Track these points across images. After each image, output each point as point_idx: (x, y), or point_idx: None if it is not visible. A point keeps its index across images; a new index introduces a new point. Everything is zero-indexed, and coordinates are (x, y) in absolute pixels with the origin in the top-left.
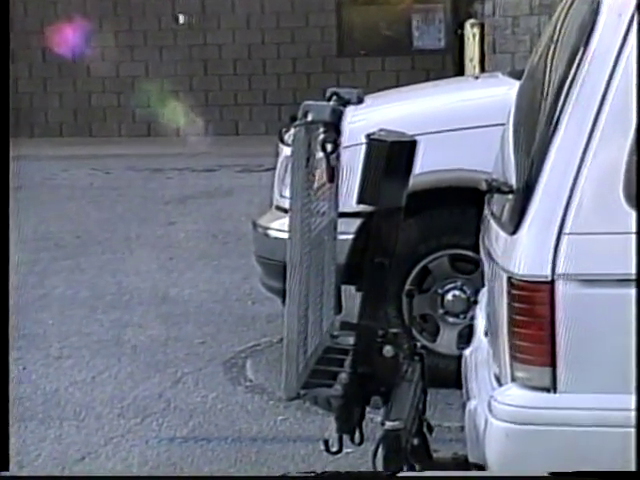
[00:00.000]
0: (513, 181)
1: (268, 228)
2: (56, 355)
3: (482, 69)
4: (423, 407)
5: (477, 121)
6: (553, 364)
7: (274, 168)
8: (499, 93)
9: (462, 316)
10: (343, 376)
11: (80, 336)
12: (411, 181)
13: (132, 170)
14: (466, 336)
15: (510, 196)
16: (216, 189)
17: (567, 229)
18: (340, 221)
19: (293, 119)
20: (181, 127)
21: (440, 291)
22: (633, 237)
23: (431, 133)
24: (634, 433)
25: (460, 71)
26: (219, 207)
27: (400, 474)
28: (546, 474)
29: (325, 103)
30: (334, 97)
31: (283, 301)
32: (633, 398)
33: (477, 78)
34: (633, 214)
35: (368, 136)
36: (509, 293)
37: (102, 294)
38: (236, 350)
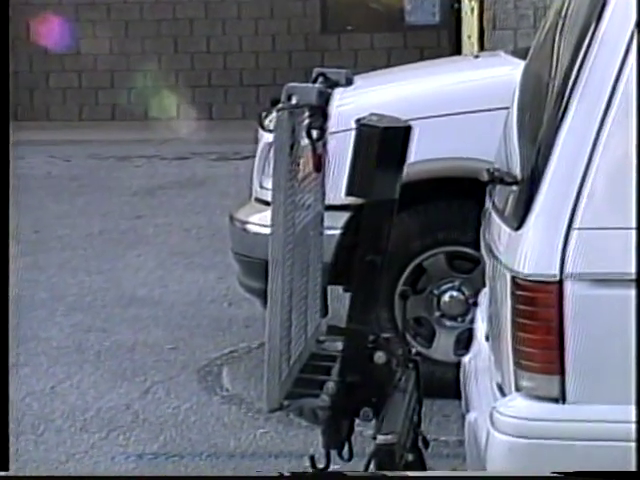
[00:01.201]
0: (517, 171)
1: (247, 222)
2: (11, 362)
3: (481, 47)
4: (418, 419)
5: (477, 105)
6: (562, 372)
7: (253, 156)
8: (501, 74)
9: (460, 319)
10: (330, 385)
11: (38, 341)
12: (405, 171)
13: (94, 158)
14: (465, 341)
15: (514, 187)
16: (188, 179)
17: (577, 223)
18: (327, 215)
19: (275, 102)
20: (149, 110)
21: (436, 292)
22: None
23: (427, 118)
24: (634, 433)
25: (457, 49)
26: (192, 199)
27: (400, 474)
28: (548, 474)
29: (311, 85)
30: (320, 78)
31: (264, 303)
32: None
33: (477, 57)
34: None
35: (358, 121)
36: (513, 294)
37: (62, 295)
38: (211, 357)
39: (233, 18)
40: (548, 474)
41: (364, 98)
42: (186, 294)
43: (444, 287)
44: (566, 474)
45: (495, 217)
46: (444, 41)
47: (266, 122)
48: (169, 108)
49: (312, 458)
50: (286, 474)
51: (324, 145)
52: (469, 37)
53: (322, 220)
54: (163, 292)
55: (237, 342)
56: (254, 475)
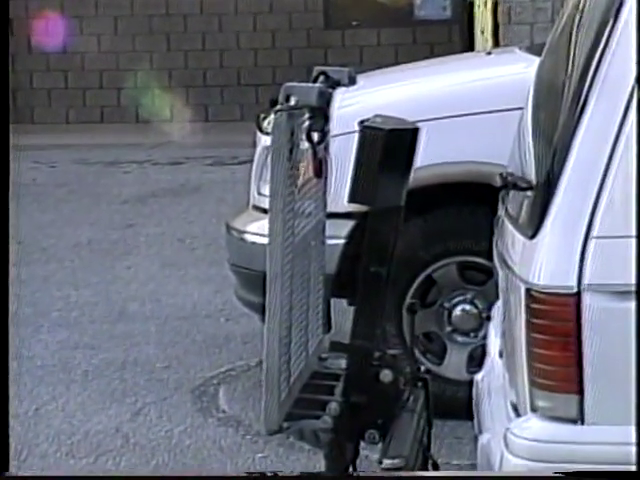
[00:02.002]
0: (532, 175)
1: (244, 232)
2: None
3: (496, 43)
4: (428, 442)
5: (489, 105)
6: (580, 391)
7: (251, 161)
8: (515, 71)
9: (473, 334)
10: (333, 406)
11: (21, 360)
12: (412, 176)
13: (82, 163)
14: (478, 358)
15: (529, 193)
16: (182, 185)
17: (595, 231)
18: (329, 223)
19: (273, 103)
20: (140, 112)
21: (447, 305)
22: None
23: (435, 119)
24: (634, 432)
25: (470, 45)
26: (186, 207)
27: (400, 474)
28: (549, 474)
29: (311, 84)
30: (321, 77)
31: (262, 318)
32: None
33: (489, 54)
34: None
35: (361, 123)
36: (528, 307)
37: (47, 310)
38: (207, 376)
39: (230, 13)
40: (548, 474)
41: (368, 98)
42: (180, 309)
43: (455, 300)
44: (566, 474)
45: (508, 225)
46: (455, 37)
47: (264, 124)
48: (162, 110)
49: None
50: (282, 474)
51: (325, 149)
52: (482, 32)
53: (324, 229)
54: (155, 306)
55: (234, 360)
56: (254, 473)
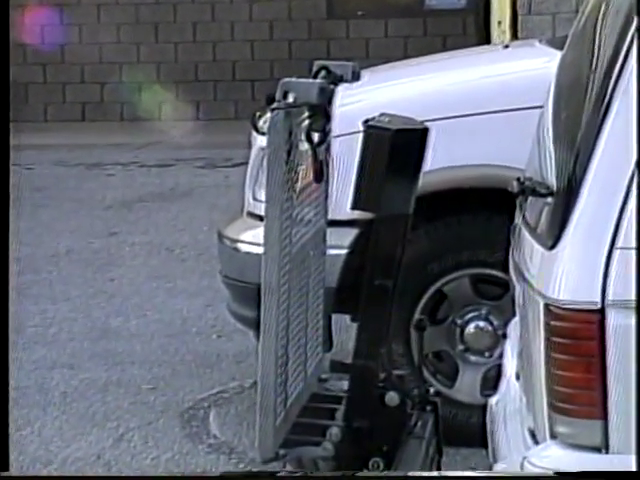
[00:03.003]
0: (552, 180)
1: (238, 241)
2: None
3: (514, 35)
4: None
5: (506, 103)
6: (604, 416)
7: (245, 163)
8: (535, 67)
9: (487, 354)
10: (334, 431)
11: None
12: (421, 181)
13: (62, 165)
14: (492, 380)
15: (548, 199)
16: (171, 190)
17: (621, 242)
18: (330, 232)
19: (270, 100)
20: (125, 110)
21: (459, 322)
22: None
23: (447, 119)
24: (634, 432)
25: (485, 38)
26: (175, 213)
27: (400, 474)
28: (549, 474)
29: (311, 80)
30: (323, 72)
31: (257, 334)
32: None
33: (507, 47)
34: None
35: (366, 122)
36: (547, 324)
37: (22, 326)
38: (196, 398)
39: (224, 2)
40: (548, 474)
41: (373, 96)
42: (168, 325)
43: (468, 316)
44: (566, 474)
45: (526, 234)
46: (470, 28)
47: (260, 123)
48: (149, 107)
49: None
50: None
51: (326, 150)
52: (499, 23)
53: (324, 238)
54: (141, 322)
55: (227, 381)
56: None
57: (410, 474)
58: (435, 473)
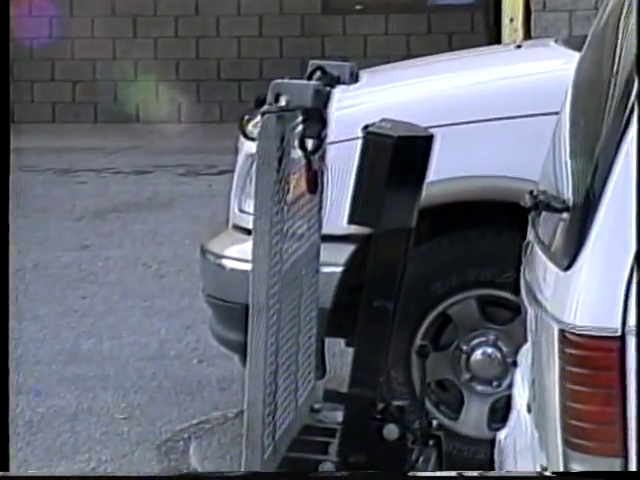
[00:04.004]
0: (569, 194)
1: (222, 256)
2: None
3: (527, 34)
4: None
5: (519, 109)
6: (624, 454)
7: (231, 171)
8: (550, 69)
9: (495, 384)
10: (327, 467)
11: None
12: (424, 192)
13: (28, 170)
14: (501, 412)
15: (564, 215)
16: (149, 199)
17: None
18: (324, 248)
19: (260, 103)
20: (99, 111)
21: (465, 348)
22: None
23: (453, 125)
24: (634, 432)
25: (496, 36)
26: (153, 225)
27: (400, 474)
28: (549, 474)
29: (305, 81)
30: (318, 73)
31: (243, 359)
32: None
33: (519, 47)
34: None
35: (365, 128)
36: (562, 352)
37: None
38: (175, 429)
39: None
40: (548, 474)
41: (373, 99)
42: (144, 347)
43: (475, 342)
44: (566, 474)
45: (539, 253)
46: (479, 25)
47: (249, 127)
48: (125, 108)
49: None
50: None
51: (321, 158)
52: (511, 20)
53: (318, 254)
54: (114, 345)
55: (209, 410)
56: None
57: (410, 474)
58: (435, 473)
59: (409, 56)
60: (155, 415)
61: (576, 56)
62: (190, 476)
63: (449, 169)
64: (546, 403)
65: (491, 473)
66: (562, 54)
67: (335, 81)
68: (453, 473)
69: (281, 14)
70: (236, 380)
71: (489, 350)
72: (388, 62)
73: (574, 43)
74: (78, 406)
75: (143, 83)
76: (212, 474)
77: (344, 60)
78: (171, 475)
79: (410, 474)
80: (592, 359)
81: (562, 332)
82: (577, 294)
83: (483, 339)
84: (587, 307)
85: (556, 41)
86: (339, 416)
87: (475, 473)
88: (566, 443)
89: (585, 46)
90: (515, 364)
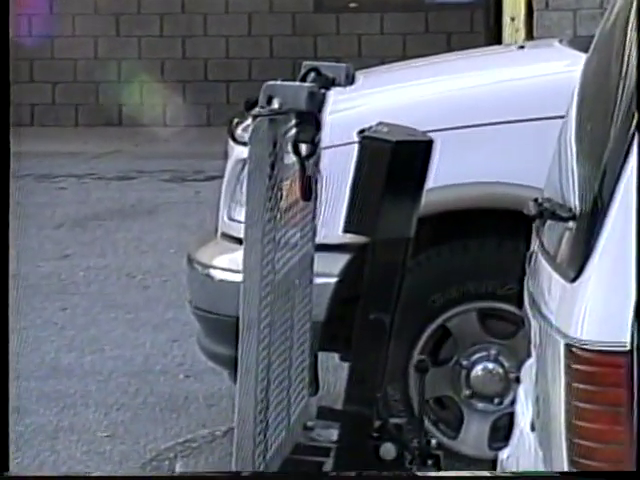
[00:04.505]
0: (575, 202)
1: (211, 266)
2: None
3: (529, 34)
4: None
5: (521, 112)
6: (637, 475)
7: (219, 177)
8: (555, 71)
9: (497, 401)
10: None
11: None
12: (423, 200)
13: None
14: (503, 430)
15: (570, 224)
16: (133, 206)
17: None
18: (318, 257)
19: (250, 105)
20: (81, 113)
21: (465, 363)
22: None
23: (453, 129)
24: (634, 432)
25: (496, 36)
26: (137, 233)
27: (400, 474)
28: (549, 474)
29: (299, 83)
30: (312, 74)
31: (232, 375)
32: None
33: (522, 48)
34: None
35: (361, 132)
36: (569, 368)
37: None
38: (161, 447)
39: None
40: (548, 474)
41: (370, 101)
42: (127, 362)
43: (475, 357)
44: (566, 474)
45: (544, 263)
46: (478, 25)
47: (238, 131)
48: (107, 110)
49: None
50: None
51: (316, 164)
52: (512, 20)
53: (312, 265)
54: (96, 359)
55: (196, 427)
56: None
57: (420, 474)
58: (435, 473)
59: (405, 57)
60: (139, 433)
61: (582, 57)
62: (191, 476)
63: (449, 175)
64: (551, 421)
65: (492, 473)
66: (567, 55)
67: (330, 83)
68: (464, 473)
69: (271, 12)
70: (225, 396)
71: (490, 365)
72: (383, 63)
73: (580, 44)
74: (58, 423)
75: (126, 84)
76: (214, 474)
77: (337, 61)
78: (171, 475)
79: (420, 474)
80: (600, 375)
81: (568, 347)
82: (584, 307)
83: (484, 354)
84: (595, 321)
85: (561, 41)
86: (333, 434)
87: (487, 473)
88: (572, 463)
89: (592, 47)
90: (518, 380)
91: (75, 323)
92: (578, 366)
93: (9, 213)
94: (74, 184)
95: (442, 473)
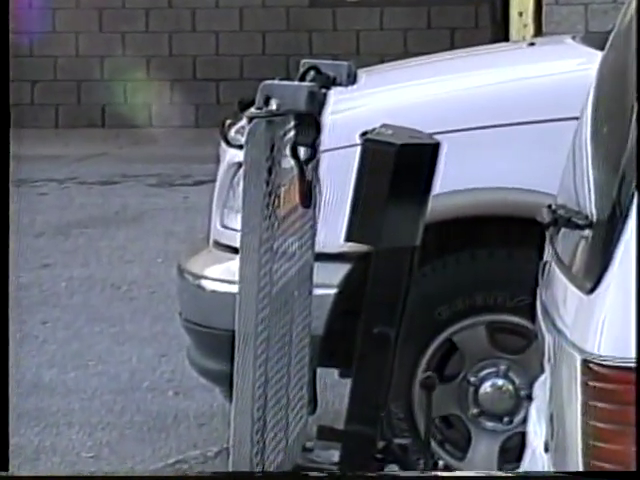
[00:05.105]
0: (591, 208)
1: (202, 277)
2: None
3: (537, 29)
4: None
5: (533, 114)
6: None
7: (210, 181)
8: (568, 69)
9: (507, 420)
10: None
11: None
12: (430, 206)
13: None
14: (513, 451)
15: (586, 232)
16: (117, 213)
17: None
18: (318, 267)
19: (244, 106)
20: (62, 114)
21: (472, 379)
22: None
23: (460, 131)
24: (634, 432)
25: (504, 32)
26: (122, 241)
27: (400, 474)
28: (549, 474)
29: (297, 83)
30: (311, 73)
31: (226, 392)
32: None
33: (532, 44)
34: None
35: (364, 135)
36: (586, 385)
37: None
38: (149, 469)
39: None
40: (548, 474)
41: (372, 102)
42: (113, 378)
43: (484, 373)
44: (566, 474)
45: (558, 274)
46: (484, 20)
47: (231, 133)
48: (90, 111)
49: None
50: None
51: (315, 168)
52: (520, 14)
53: (311, 275)
54: (80, 375)
55: (186, 448)
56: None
57: (409, 474)
58: (436, 473)
59: (406, 54)
60: (126, 454)
61: (597, 55)
62: (191, 477)
63: (457, 180)
64: (566, 442)
65: (493, 473)
66: (581, 52)
67: (331, 82)
68: (465, 473)
69: (264, 7)
70: (217, 415)
71: (500, 382)
72: (383, 61)
73: (594, 40)
74: (40, 444)
75: (110, 83)
76: (216, 474)
77: (334, 58)
78: (171, 475)
79: (410, 474)
80: (619, 393)
81: (585, 362)
82: (602, 320)
83: (493, 370)
84: (613, 335)
85: (574, 38)
86: (334, 456)
87: (476, 473)
88: None
89: (608, 44)
90: (530, 398)
91: (57, 337)
92: (596, 383)
93: (9, 218)
94: (55, 189)
95: (443, 473)
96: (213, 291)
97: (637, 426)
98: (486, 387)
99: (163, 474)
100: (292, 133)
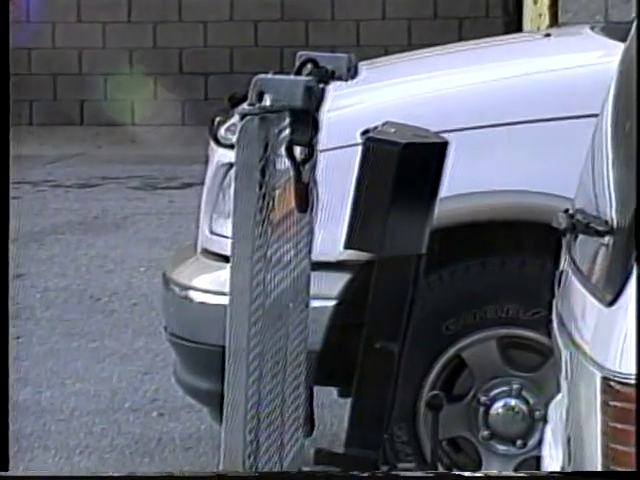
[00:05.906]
0: (612, 213)
1: (190, 287)
2: None
3: (553, 19)
4: None
5: (549, 111)
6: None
7: (198, 184)
8: (587, 62)
9: (520, 442)
10: None
11: None
12: (436, 211)
13: None
14: None
15: (606, 239)
16: (96, 218)
17: None
18: (315, 277)
19: (236, 102)
20: (36, 111)
21: (483, 399)
22: None
23: (470, 129)
24: (634, 432)
25: (517, 22)
26: (101, 249)
27: (400, 474)
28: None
29: (293, 77)
30: (309, 66)
31: (215, 412)
32: None
33: (548, 35)
34: None
35: (365, 133)
36: (606, 405)
37: None
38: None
39: None
40: (549, 474)
41: (375, 98)
42: (92, 398)
43: (495, 392)
44: (566, 474)
45: (577, 284)
46: (495, 9)
47: (221, 132)
48: (67, 107)
49: None
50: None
51: (313, 170)
52: (535, 2)
53: (308, 285)
54: (57, 395)
55: (172, 472)
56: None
57: (409, 474)
58: (436, 472)
59: (411, 46)
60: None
61: (618, 47)
62: (192, 476)
63: (465, 182)
64: (586, 467)
65: (492, 473)
66: (601, 44)
67: (329, 76)
68: (464, 473)
69: None
70: (204, 437)
71: (512, 402)
72: (386, 53)
73: (615, 31)
74: (12, 469)
75: (89, 77)
76: (217, 474)
77: (332, 50)
78: (171, 475)
79: (410, 474)
80: None
81: (605, 380)
82: (624, 334)
83: (505, 388)
84: (635, 350)
85: (592, 28)
86: None
87: (476, 473)
88: None
89: (631, 36)
90: (545, 419)
91: (31, 353)
92: (617, 403)
93: (9, 218)
94: (29, 192)
95: (443, 472)
96: (201, 303)
97: (637, 426)
98: (497, 407)
99: (163, 474)
100: (287, 131)
